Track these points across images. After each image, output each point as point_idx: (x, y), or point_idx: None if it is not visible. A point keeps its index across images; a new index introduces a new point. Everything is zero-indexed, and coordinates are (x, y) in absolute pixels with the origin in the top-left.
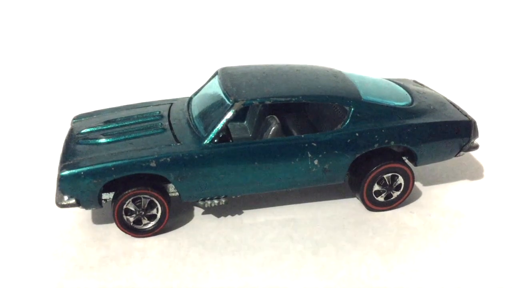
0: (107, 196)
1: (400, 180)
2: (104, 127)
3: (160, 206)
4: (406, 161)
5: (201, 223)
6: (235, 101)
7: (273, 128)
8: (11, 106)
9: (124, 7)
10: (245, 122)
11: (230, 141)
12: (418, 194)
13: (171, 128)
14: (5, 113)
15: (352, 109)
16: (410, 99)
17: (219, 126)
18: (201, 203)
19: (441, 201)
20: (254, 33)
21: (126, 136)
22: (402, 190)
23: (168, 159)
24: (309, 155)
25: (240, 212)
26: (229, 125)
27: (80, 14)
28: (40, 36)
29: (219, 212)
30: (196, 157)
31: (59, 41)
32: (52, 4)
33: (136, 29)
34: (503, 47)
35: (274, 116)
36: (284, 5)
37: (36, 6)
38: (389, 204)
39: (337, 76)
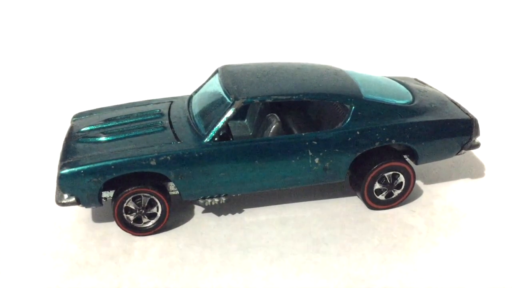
0: (107, 194)
1: (401, 178)
2: (104, 125)
3: (160, 204)
4: (407, 159)
5: (202, 222)
6: (236, 99)
7: (273, 126)
8: (11, 104)
9: (124, 6)
10: (246, 120)
11: (231, 139)
12: (419, 192)
13: (171, 126)
14: (5, 111)
15: (353, 107)
16: (411, 98)
17: (220, 124)
18: (201, 201)
19: (442, 200)
20: (254, 31)
21: (126, 134)
22: (403, 189)
23: (168, 158)
24: (310, 154)
25: (240, 211)
26: (229, 123)
27: (80, 13)
28: (40, 35)
29: (219, 210)
30: (196, 155)
31: (59, 39)
32: (52, 3)
33: (136, 27)
34: (504, 46)
35: (275, 114)
36: (285, 4)
37: (36, 5)
38: (390, 203)
39: (338, 74)
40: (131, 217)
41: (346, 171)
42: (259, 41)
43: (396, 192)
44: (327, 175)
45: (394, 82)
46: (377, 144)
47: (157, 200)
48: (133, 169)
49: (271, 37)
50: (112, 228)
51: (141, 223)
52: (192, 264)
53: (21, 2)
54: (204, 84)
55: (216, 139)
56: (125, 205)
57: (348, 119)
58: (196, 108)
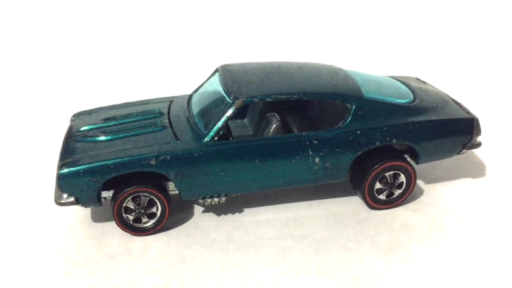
0: (107, 194)
1: (402, 178)
2: (104, 125)
3: (160, 204)
4: (408, 159)
5: (201, 222)
6: (236, 98)
7: (274, 125)
8: (11, 104)
9: (124, 5)
10: (246, 119)
11: (231, 138)
12: (420, 192)
13: (171, 126)
14: (5, 111)
15: (354, 106)
16: (412, 97)
17: (220, 123)
18: (201, 201)
19: (442, 199)
20: (255, 30)
21: (126, 134)
22: (404, 188)
23: (168, 157)
24: (310, 153)
25: (240, 211)
26: (229, 123)
27: (80, 12)
28: (40, 35)
29: (219, 210)
30: (196, 155)
31: (59, 39)
32: (52, 3)
33: (136, 26)
34: (505, 45)
35: (275, 113)
36: (285, 3)
37: (36, 5)
38: (391, 203)
39: (338, 73)
40: (131, 217)
41: (347, 171)
42: (259, 41)
43: (397, 192)
44: (328, 175)
45: (395, 81)
46: (377, 143)
47: (156, 200)
48: (132, 169)
49: (271, 37)
50: (112, 228)
51: (140, 223)
52: (192, 264)
53: (21, 2)
54: (204, 83)
55: (216, 138)
56: (124, 204)
57: (349, 119)
58: (196, 108)
